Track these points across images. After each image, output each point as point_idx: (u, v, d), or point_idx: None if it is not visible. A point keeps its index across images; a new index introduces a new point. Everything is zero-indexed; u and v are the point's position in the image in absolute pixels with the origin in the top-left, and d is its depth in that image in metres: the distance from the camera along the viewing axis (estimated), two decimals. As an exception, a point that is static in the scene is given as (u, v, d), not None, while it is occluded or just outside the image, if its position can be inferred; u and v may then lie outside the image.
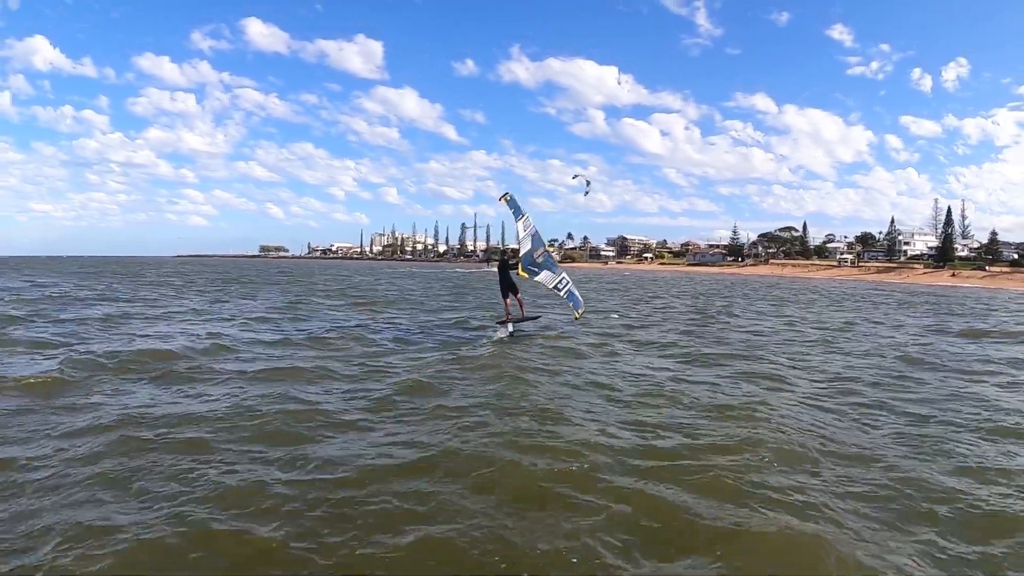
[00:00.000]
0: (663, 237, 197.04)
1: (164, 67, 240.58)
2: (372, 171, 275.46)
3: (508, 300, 18.61)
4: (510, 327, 18.22)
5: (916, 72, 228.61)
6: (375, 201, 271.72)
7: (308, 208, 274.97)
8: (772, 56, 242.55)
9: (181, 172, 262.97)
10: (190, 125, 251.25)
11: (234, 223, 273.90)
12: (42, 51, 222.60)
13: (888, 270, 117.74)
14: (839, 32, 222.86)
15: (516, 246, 18.31)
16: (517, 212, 17.64)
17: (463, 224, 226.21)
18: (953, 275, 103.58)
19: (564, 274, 18.45)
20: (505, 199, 17.58)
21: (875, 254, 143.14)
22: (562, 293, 18.14)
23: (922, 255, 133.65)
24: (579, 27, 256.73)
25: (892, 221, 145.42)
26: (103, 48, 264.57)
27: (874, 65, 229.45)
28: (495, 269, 19.42)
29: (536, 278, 17.63)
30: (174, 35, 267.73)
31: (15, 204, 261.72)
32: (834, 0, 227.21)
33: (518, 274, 17.49)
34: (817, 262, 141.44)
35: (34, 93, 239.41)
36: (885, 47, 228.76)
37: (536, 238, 17.99)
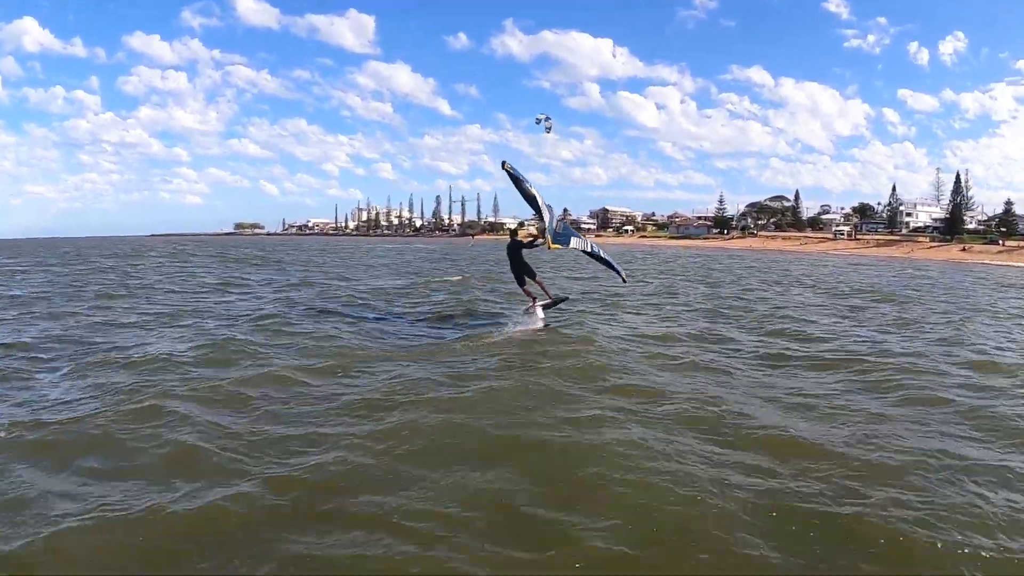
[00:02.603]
0: (656, 210, 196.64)
1: (154, 45, 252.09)
2: (366, 147, 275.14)
3: (526, 286, 17.02)
4: (540, 312, 16.81)
5: (913, 46, 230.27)
6: (369, 177, 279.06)
7: (302, 185, 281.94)
8: (768, 29, 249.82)
9: (174, 151, 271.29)
10: (182, 103, 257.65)
11: (228, 201, 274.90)
12: (31, 32, 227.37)
13: (890, 243, 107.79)
14: (835, 5, 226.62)
15: (513, 223, 17.18)
16: (523, 179, 15.75)
17: (437, 196, 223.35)
18: (964, 249, 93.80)
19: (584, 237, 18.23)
20: (507, 168, 15.45)
21: (874, 226, 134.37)
22: (603, 256, 17.46)
23: (926, 227, 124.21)
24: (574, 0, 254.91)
25: (894, 189, 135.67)
26: (93, 28, 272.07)
27: (871, 38, 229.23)
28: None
29: (570, 246, 16.62)
30: (164, 13, 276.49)
31: (9, 187, 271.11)
32: None
33: (548, 247, 15.69)
34: (811, 234, 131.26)
35: (24, 75, 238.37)
36: (882, 20, 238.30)
37: (550, 207, 16.33)
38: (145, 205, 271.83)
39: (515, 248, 16.58)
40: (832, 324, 18.11)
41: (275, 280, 30.09)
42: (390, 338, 15.05)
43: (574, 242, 16.70)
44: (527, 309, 17.17)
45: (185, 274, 33.79)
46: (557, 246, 15.87)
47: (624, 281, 19.62)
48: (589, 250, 17.21)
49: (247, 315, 18.00)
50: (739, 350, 13.98)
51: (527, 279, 16.81)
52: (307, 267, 41.66)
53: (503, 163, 15.69)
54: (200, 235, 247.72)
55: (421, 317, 18.68)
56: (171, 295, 23.45)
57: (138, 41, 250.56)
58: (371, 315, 18.90)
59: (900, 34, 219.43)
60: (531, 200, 16.06)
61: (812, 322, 18.33)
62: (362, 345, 14.02)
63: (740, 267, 50.19)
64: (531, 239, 16.97)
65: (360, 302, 21.91)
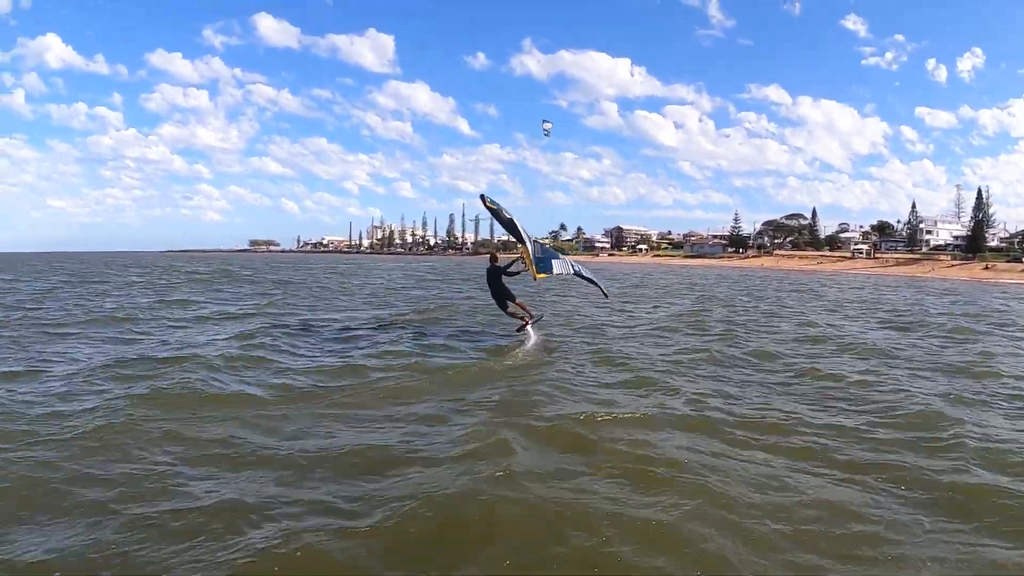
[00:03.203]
0: (674, 229, 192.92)
1: (176, 63, 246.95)
2: (386, 165, 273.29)
3: (508, 310, 16.95)
4: (532, 332, 16.67)
5: (931, 63, 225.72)
6: (389, 196, 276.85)
7: (322, 203, 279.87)
8: (786, 47, 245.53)
9: (196, 168, 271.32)
10: (203, 121, 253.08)
11: (249, 218, 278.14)
12: (55, 49, 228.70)
13: (910, 262, 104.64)
14: (853, 22, 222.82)
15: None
16: (501, 209, 16.10)
17: (451, 215, 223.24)
18: (987, 267, 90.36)
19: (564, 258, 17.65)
20: (487, 204, 15.82)
21: (893, 244, 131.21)
22: (586, 275, 17.52)
23: (946, 245, 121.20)
24: (590, 19, 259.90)
25: (913, 207, 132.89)
26: (115, 45, 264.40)
27: (888, 56, 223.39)
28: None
29: (554, 272, 16.27)
30: (186, 31, 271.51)
31: (31, 200, 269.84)
32: None
33: (534, 278, 16.02)
34: (828, 253, 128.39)
35: (47, 91, 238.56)
36: (899, 37, 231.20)
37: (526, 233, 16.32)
38: (166, 221, 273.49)
39: (494, 274, 16.56)
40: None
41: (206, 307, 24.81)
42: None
43: (556, 266, 16.39)
44: (519, 328, 16.99)
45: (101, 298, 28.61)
46: (543, 275, 15.84)
47: (606, 296, 19.19)
48: (572, 271, 17.09)
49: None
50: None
51: (508, 303, 16.77)
52: (275, 289, 37.57)
53: (481, 196, 15.79)
54: (215, 251, 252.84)
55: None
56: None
57: (160, 59, 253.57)
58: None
59: (917, 51, 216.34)
60: (511, 227, 16.16)
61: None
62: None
63: (749, 287, 46.26)
64: (510, 264, 16.69)
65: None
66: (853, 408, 10.21)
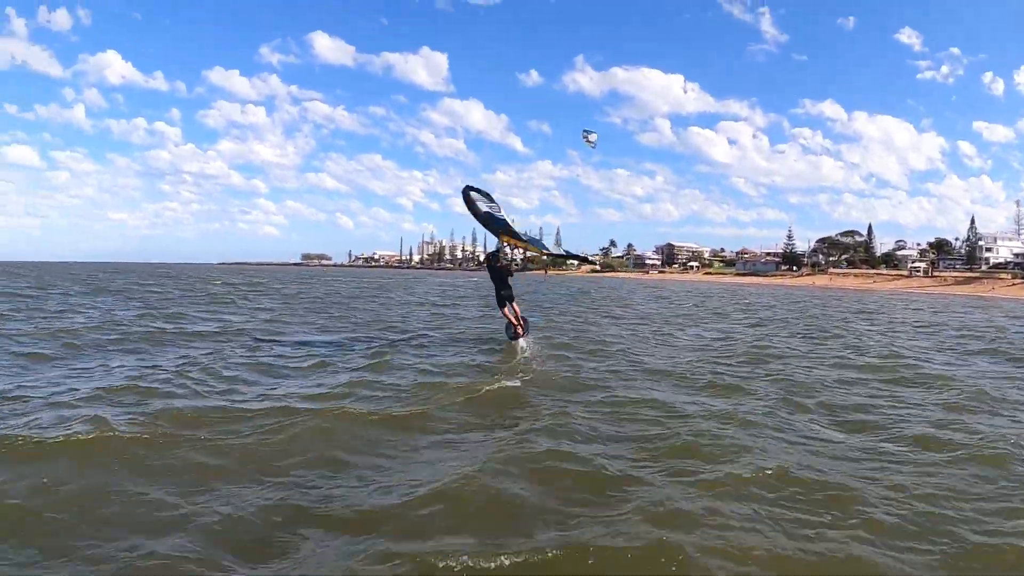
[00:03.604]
0: (728, 247, 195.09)
1: (234, 80, 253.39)
2: (440, 182, 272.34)
3: (506, 309, 16.67)
4: (522, 341, 16.42)
5: (988, 76, 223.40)
6: (443, 211, 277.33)
7: (377, 218, 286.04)
8: (840, 62, 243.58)
9: (253, 183, 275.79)
10: (261, 137, 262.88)
11: (305, 233, 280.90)
12: (114, 65, 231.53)
13: (969, 280, 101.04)
14: (907, 36, 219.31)
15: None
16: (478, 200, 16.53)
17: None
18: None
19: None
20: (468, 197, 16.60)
21: (951, 262, 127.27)
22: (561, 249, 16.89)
23: (1007, 263, 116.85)
24: (643, 36, 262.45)
25: (972, 223, 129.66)
26: (174, 62, 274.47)
27: (944, 69, 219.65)
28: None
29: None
30: (243, 49, 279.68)
31: (91, 213, 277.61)
32: (901, 3, 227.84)
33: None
34: (884, 271, 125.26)
35: (107, 106, 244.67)
36: (955, 50, 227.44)
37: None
38: (224, 234, 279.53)
39: (498, 273, 16.68)
40: None
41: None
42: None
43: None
44: (513, 336, 16.83)
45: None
46: (535, 250, 16.99)
47: (588, 261, 19.79)
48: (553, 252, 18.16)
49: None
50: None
51: (508, 304, 16.63)
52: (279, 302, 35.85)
53: (464, 192, 16.47)
54: (268, 264, 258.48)
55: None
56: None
57: (218, 76, 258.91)
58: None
59: (974, 64, 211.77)
60: (487, 221, 16.36)
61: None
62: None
63: (807, 308, 41.46)
64: (509, 264, 17.17)
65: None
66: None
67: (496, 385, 11.53)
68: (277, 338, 18.16)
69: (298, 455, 7.63)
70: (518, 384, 11.84)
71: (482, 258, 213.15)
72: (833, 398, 11.36)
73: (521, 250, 17.19)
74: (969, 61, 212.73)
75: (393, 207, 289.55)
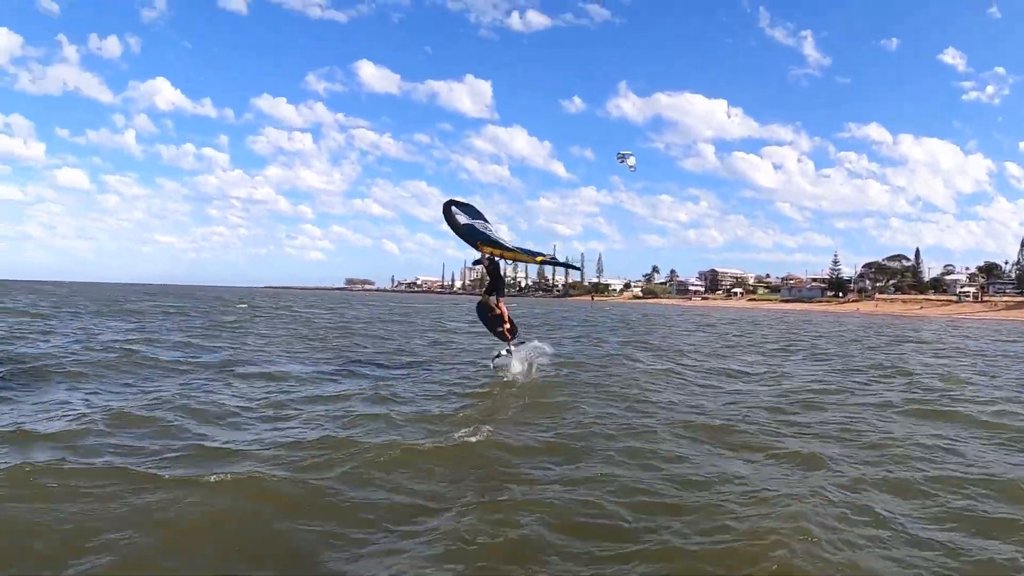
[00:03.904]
0: (774, 272, 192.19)
1: (281, 108, 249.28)
2: (484, 208, 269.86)
3: (497, 312, 15.89)
4: (515, 364, 15.37)
5: None
6: None
7: (422, 244, 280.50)
8: (884, 84, 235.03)
9: (300, 208, 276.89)
10: (307, 163, 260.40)
11: (350, 258, 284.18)
12: (164, 92, 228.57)
13: (1020, 305, 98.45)
14: (951, 56, 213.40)
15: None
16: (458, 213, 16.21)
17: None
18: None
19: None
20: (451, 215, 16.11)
21: (1002, 287, 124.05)
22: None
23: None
24: (686, 61, 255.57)
25: (1023, 245, 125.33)
26: (222, 89, 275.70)
27: (989, 89, 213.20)
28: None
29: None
30: (290, 78, 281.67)
31: (140, 236, 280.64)
32: (944, 23, 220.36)
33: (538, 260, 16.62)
34: (932, 297, 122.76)
35: (157, 131, 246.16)
36: (1000, 70, 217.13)
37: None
38: (271, 259, 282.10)
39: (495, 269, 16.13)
40: None
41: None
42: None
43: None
44: (507, 351, 15.71)
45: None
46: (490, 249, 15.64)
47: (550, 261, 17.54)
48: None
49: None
50: None
51: (495, 307, 15.95)
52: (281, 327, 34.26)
53: (445, 206, 16.04)
54: (313, 289, 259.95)
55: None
56: None
57: (266, 103, 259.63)
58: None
59: (1019, 84, 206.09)
60: (469, 234, 15.80)
61: None
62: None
63: (858, 337, 37.92)
64: (494, 294, 16.08)
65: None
66: None
67: (451, 441, 9.13)
68: (246, 368, 16.15)
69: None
70: (479, 439, 9.25)
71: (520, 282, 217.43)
72: (943, 468, 8.38)
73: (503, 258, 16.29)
74: (1015, 81, 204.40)
75: (438, 233, 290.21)
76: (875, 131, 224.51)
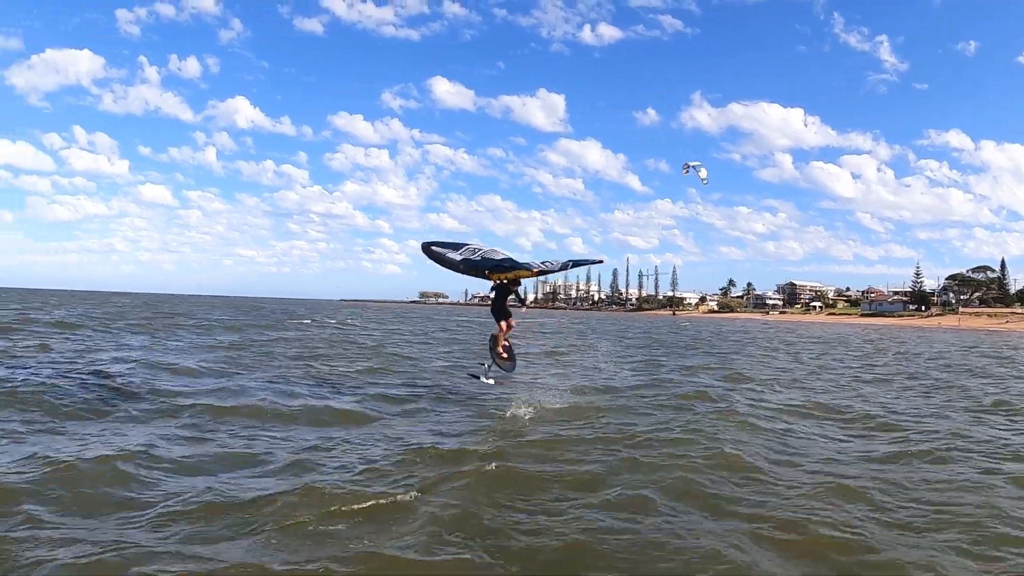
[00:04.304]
0: (854, 285, 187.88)
1: (358, 125, 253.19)
2: (558, 222, 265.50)
3: (502, 323, 15.16)
4: (484, 377, 15.16)
5: None
6: (561, 251, 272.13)
7: None
8: (963, 88, 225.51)
9: (377, 223, 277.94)
10: (384, 179, 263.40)
11: (426, 272, 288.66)
12: (243, 111, 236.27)
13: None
14: None
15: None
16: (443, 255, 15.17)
17: (614, 270, 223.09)
18: None
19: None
20: (430, 252, 15.35)
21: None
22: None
23: None
24: (760, 69, 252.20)
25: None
26: (300, 108, 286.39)
27: None
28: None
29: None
30: (366, 95, 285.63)
31: (222, 249, 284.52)
32: (1023, 25, 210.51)
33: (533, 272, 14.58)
34: (1018, 310, 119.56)
35: (237, 149, 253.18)
36: None
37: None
38: (348, 272, 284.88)
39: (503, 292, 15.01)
40: None
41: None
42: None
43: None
44: (496, 355, 15.39)
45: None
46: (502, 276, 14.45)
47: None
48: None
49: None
50: None
51: (503, 323, 15.14)
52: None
53: (423, 247, 15.23)
54: (388, 302, 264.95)
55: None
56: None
57: (343, 121, 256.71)
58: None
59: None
60: (467, 268, 14.85)
61: None
62: None
63: (954, 360, 32.91)
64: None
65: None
66: None
67: (403, 496, 7.85)
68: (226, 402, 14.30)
69: None
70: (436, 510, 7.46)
71: (596, 298, 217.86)
72: None
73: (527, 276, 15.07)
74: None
75: (512, 247, 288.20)
76: (955, 138, 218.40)
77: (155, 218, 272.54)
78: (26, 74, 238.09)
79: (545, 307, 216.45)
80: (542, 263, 14.70)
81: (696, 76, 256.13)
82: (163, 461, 9.12)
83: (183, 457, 9.42)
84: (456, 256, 15.02)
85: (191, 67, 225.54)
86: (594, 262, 16.41)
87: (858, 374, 24.60)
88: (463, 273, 15.12)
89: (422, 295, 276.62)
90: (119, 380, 15.90)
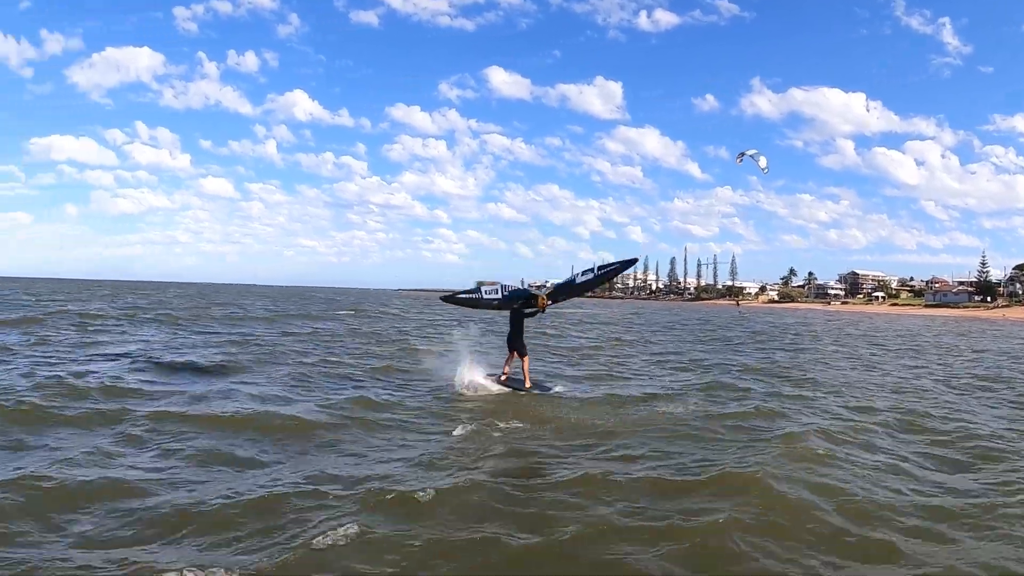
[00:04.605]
0: (914, 275, 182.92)
1: (415, 116, 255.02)
2: (616, 210, 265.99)
3: (514, 355, 15.38)
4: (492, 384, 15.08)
5: None
6: (620, 240, 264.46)
7: (554, 248, 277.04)
8: None
9: (435, 213, 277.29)
10: (442, 169, 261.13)
11: (484, 260, 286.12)
12: (301, 104, 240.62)
13: None
14: None
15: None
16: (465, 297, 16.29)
17: (672, 258, 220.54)
18: None
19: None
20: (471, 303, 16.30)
21: None
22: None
23: None
24: (820, 54, 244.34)
25: None
26: (358, 100, 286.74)
27: None
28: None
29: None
30: (423, 87, 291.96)
31: (283, 240, 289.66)
32: None
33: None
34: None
35: (296, 141, 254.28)
36: None
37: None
38: (408, 262, 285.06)
39: (517, 315, 15.51)
40: None
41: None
42: None
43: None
44: (497, 378, 15.22)
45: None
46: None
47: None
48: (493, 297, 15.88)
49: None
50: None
51: (518, 349, 15.27)
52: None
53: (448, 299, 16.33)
54: (444, 291, 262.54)
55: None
56: None
57: (400, 112, 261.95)
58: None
59: None
60: (509, 299, 15.68)
61: None
62: None
63: None
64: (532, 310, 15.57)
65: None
66: None
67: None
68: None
69: None
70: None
71: (653, 287, 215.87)
72: None
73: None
74: None
75: (571, 236, 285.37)
76: (1022, 123, 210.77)
77: (217, 210, 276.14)
78: (87, 72, 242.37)
79: (602, 296, 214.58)
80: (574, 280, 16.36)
81: (755, 61, 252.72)
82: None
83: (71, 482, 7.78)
84: (492, 295, 15.65)
85: (249, 62, 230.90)
86: (629, 263, 16.61)
87: (940, 377, 20.97)
88: (503, 306, 15.77)
89: (479, 284, 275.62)
90: (87, 380, 14.75)
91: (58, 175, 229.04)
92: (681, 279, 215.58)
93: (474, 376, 15.23)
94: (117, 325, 31.92)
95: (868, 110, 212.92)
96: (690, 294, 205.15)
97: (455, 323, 35.76)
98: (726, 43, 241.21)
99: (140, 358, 19.27)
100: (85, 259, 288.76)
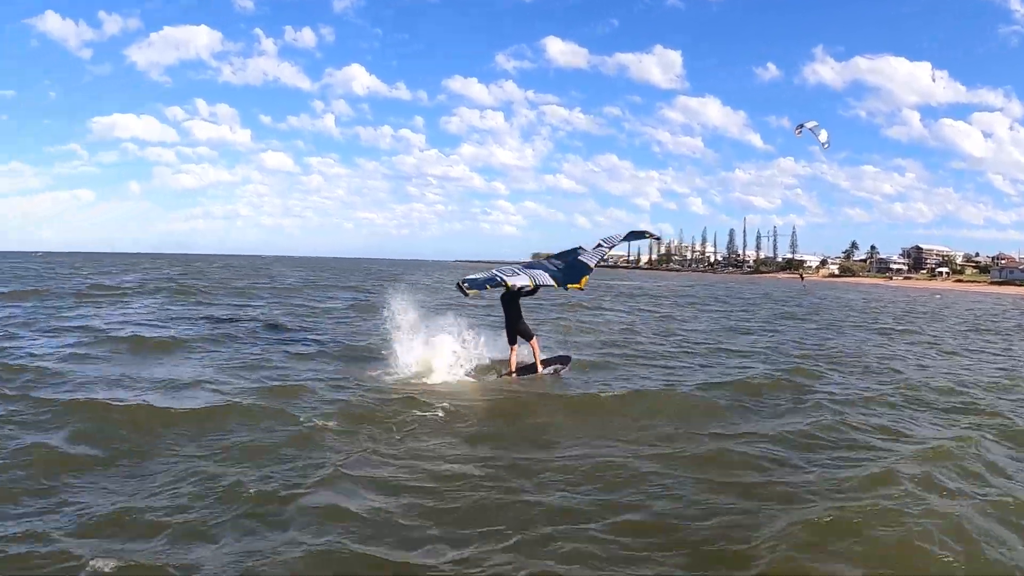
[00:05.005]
0: (980, 251, 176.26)
1: (472, 88, 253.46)
2: (676, 181, 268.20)
3: (516, 345, 14.35)
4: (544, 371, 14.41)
5: None
6: (680, 211, 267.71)
7: (613, 219, 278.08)
8: None
9: (493, 184, 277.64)
10: (500, 141, 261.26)
11: (543, 232, 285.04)
12: (359, 78, 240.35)
13: None
14: None
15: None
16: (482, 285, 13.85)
17: (731, 230, 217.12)
18: None
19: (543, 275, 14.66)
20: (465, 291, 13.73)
21: None
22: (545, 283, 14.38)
23: None
24: (884, 21, 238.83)
25: None
26: (415, 73, 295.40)
27: None
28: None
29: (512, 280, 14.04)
30: (480, 58, 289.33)
31: (343, 213, 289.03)
32: None
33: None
34: None
35: (354, 115, 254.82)
36: None
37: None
38: (466, 234, 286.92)
39: (512, 297, 14.45)
40: None
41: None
42: None
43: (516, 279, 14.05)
44: (505, 372, 14.22)
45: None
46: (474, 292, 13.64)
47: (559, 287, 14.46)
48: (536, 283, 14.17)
49: None
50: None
51: (518, 338, 14.37)
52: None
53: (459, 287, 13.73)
54: (501, 263, 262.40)
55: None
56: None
57: (457, 84, 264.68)
58: None
59: None
60: (539, 282, 14.28)
61: None
62: None
63: None
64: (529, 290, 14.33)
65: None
66: None
67: None
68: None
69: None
70: None
71: (712, 259, 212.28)
72: None
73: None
74: None
75: (630, 207, 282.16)
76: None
77: (277, 184, 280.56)
78: (146, 51, 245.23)
79: (658, 269, 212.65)
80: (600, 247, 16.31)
81: (817, 29, 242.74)
82: None
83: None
84: (517, 280, 14.10)
85: (306, 37, 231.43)
86: (652, 236, 16.98)
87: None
88: (536, 289, 14.36)
89: (534, 256, 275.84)
90: (42, 358, 14.59)
91: (121, 153, 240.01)
92: (740, 251, 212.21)
93: (434, 354, 13.81)
94: (143, 296, 32.64)
95: (934, 80, 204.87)
96: (749, 267, 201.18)
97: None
98: (787, 10, 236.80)
99: (97, 335, 18.64)
100: (151, 234, 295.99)
